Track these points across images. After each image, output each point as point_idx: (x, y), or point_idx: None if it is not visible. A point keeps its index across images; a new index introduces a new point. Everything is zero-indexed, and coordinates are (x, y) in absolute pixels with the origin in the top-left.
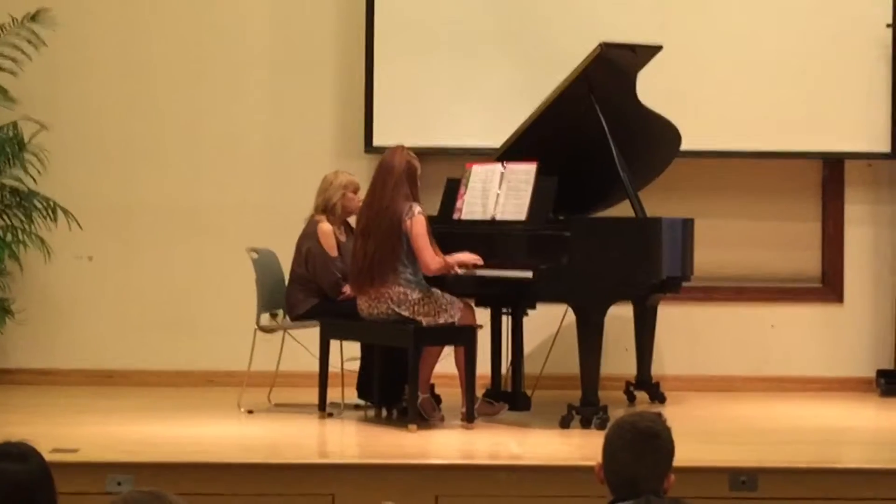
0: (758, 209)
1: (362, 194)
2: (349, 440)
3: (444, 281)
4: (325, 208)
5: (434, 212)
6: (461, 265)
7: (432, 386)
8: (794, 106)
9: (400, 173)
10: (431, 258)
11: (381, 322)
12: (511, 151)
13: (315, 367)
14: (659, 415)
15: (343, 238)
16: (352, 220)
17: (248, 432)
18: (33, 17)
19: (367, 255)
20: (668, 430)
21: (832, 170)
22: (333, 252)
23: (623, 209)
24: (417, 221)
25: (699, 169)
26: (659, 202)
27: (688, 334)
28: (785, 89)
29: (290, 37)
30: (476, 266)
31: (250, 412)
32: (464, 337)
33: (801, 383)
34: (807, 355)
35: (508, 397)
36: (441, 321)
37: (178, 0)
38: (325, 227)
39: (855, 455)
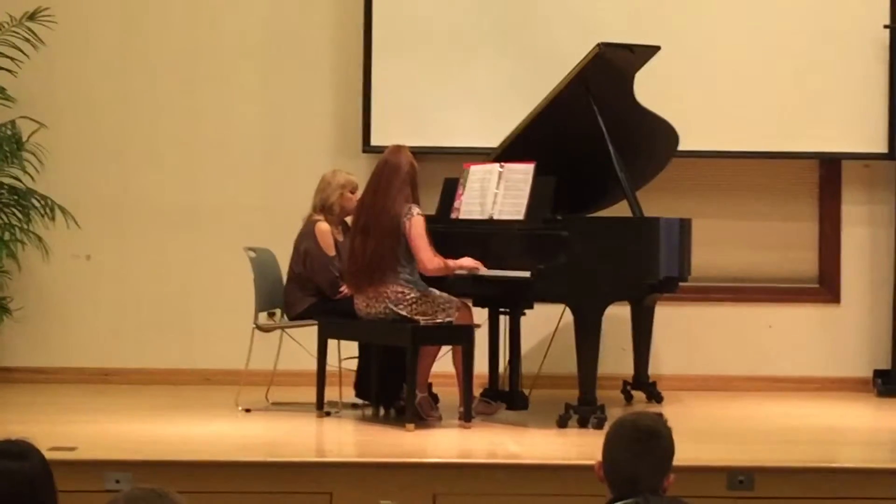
0: (755, 209)
1: (360, 193)
2: (347, 439)
3: (441, 281)
4: (323, 207)
5: (432, 211)
6: (461, 269)
7: (430, 385)
8: (791, 106)
9: (405, 174)
10: (429, 259)
11: (379, 321)
12: (509, 151)
13: (313, 366)
14: (660, 414)
15: (341, 237)
16: (349, 219)
17: (245, 431)
18: (31, 16)
19: (367, 253)
20: (668, 430)
21: (829, 170)
22: (331, 251)
23: (621, 209)
24: (416, 222)
25: (697, 169)
26: (656, 202)
27: (685, 334)
28: (782, 90)
29: (287, 36)
30: (476, 269)
31: (248, 411)
32: (461, 336)
33: (798, 383)
34: (804, 355)
35: (506, 397)
36: (439, 320)
37: None
38: (323, 226)
39: (852, 455)
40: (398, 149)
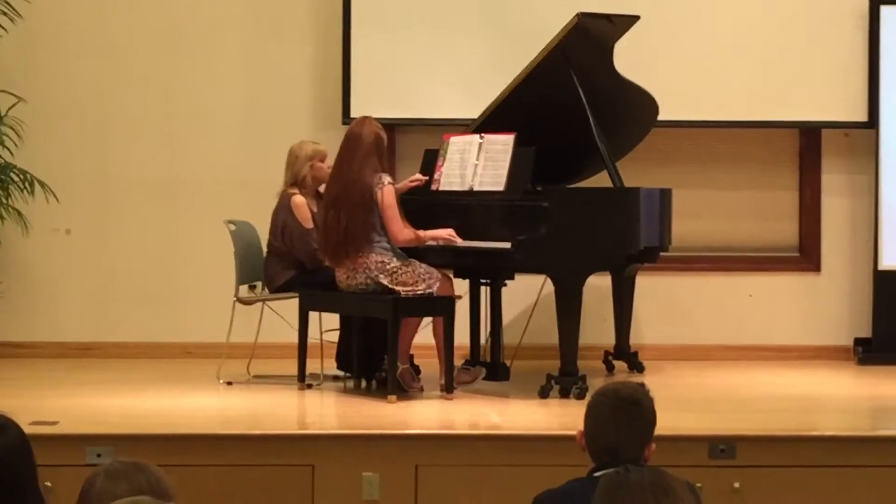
0: (735, 179)
1: (331, 161)
2: (329, 411)
3: (422, 252)
4: (296, 182)
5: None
6: (434, 239)
7: (411, 356)
8: (771, 75)
9: (369, 144)
10: (400, 230)
11: (360, 293)
12: (489, 122)
13: (294, 338)
14: (642, 384)
15: (316, 209)
16: (323, 187)
17: (227, 404)
18: None
19: (340, 227)
20: (650, 400)
21: (809, 139)
22: (308, 224)
23: (601, 179)
24: (387, 192)
25: (677, 139)
26: (636, 172)
27: (666, 304)
28: (762, 59)
29: (267, 9)
30: (451, 241)
31: (229, 384)
32: (442, 308)
33: (778, 352)
34: (784, 324)
35: (487, 367)
36: (419, 291)
37: None
38: (298, 199)
39: (832, 423)
40: (362, 120)
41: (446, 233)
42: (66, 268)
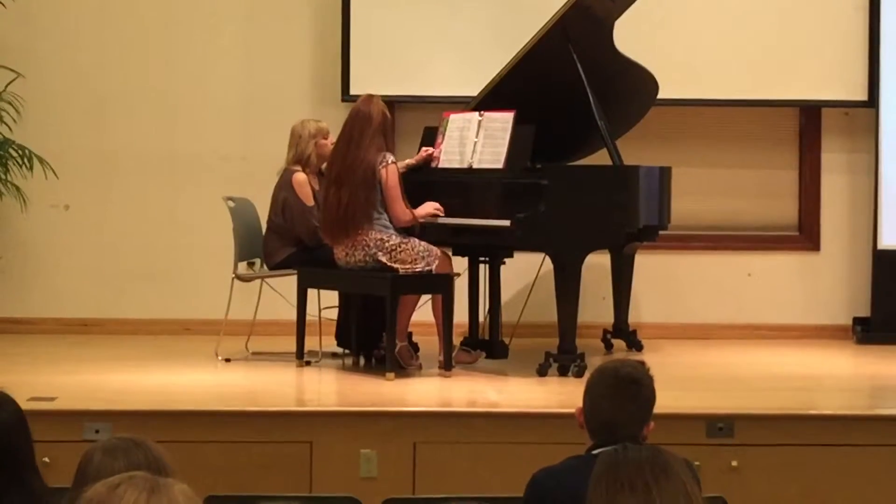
0: (735, 157)
1: (333, 137)
2: (327, 388)
3: (422, 229)
4: (300, 161)
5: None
6: (423, 217)
7: (410, 334)
8: (771, 54)
9: (377, 123)
10: (402, 211)
11: (359, 270)
12: (488, 100)
13: (292, 315)
14: (642, 363)
15: (318, 187)
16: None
17: (225, 380)
18: None
19: (341, 204)
20: (649, 378)
21: (809, 118)
22: (309, 201)
23: (601, 157)
24: (391, 171)
25: (676, 117)
26: (636, 150)
27: (665, 282)
28: (762, 37)
29: None
30: (437, 215)
31: (228, 360)
32: (441, 285)
33: (777, 331)
34: (783, 303)
35: (486, 345)
36: (418, 269)
37: None
38: (300, 177)
39: (831, 402)
40: (370, 98)
41: (432, 207)
42: (65, 244)
